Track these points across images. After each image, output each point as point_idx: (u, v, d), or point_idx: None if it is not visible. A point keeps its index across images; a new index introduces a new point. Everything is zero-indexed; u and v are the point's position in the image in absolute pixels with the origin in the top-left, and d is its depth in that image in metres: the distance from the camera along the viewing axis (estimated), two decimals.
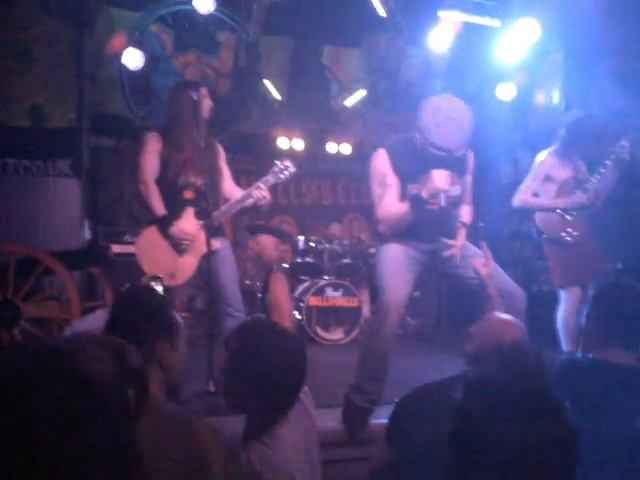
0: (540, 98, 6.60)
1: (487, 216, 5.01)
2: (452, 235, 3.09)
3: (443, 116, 2.86)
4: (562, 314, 3.58)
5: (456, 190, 3.07)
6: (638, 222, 4.49)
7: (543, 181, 3.68)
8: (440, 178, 2.88)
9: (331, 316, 5.34)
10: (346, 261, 5.72)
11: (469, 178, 3.20)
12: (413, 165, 2.95)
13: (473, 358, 1.15)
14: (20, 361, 1.01)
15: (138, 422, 1.05)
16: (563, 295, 3.63)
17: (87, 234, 4.79)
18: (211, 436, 1.57)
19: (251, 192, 3.42)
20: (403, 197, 3.01)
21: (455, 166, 3.00)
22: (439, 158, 2.87)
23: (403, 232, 3.08)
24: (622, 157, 3.50)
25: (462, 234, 3.11)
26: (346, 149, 7.25)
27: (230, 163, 3.65)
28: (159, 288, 2.80)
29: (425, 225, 3.02)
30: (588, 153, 3.74)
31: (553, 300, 3.74)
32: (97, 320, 1.82)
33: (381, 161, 3.04)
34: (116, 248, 4.57)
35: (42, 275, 3.67)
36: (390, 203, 3.02)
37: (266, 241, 2.19)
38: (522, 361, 1.12)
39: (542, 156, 3.75)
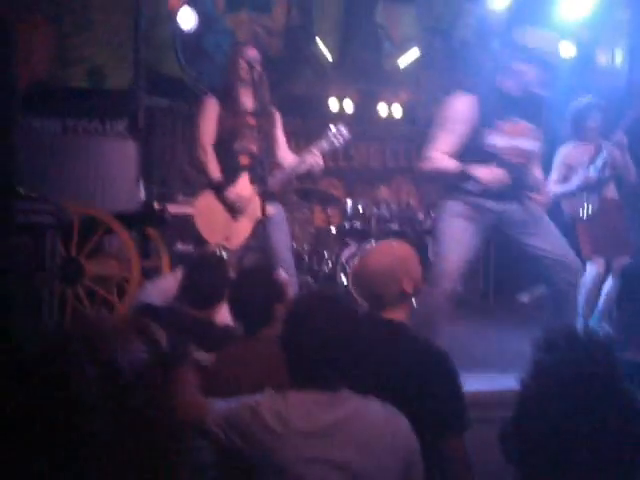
0: (602, 58, 6.28)
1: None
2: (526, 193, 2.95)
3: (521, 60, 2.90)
4: (584, 281, 3.92)
5: (531, 145, 2.95)
6: None
7: (566, 170, 4.02)
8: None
9: None
10: (393, 227, 5.70)
11: None
12: (490, 109, 2.88)
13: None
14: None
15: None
16: (588, 266, 4.00)
17: (142, 194, 4.90)
18: None
19: (305, 158, 3.43)
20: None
21: (529, 113, 2.92)
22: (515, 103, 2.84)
23: (470, 187, 2.81)
24: (618, 143, 3.86)
25: (544, 192, 3.01)
26: (397, 111, 7.09)
27: None
28: (224, 254, 2.89)
29: None
30: (599, 136, 4.00)
31: None
32: (169, 283, 1.91)
33: (465, 106, 2.94)
34: (170, 209, 4.66)
35: (103, 235, 3.79)
36: (441, 147, 2.91)
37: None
38: (593, 350, 1.12)
39: (561, 148, 4.09)
